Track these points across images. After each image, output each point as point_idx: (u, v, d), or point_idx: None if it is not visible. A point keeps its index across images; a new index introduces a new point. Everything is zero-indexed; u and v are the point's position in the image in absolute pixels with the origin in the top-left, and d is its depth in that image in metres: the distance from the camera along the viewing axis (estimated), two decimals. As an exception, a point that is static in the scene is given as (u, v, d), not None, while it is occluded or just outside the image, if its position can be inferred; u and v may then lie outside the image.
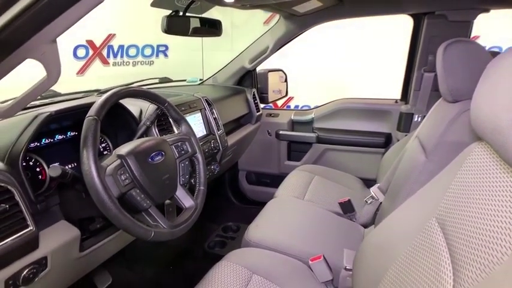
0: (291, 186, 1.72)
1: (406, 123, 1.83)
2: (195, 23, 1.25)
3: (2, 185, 0.75)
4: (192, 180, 1.10)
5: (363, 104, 2.06)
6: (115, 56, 3.58)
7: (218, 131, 1.57)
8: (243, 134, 1.94)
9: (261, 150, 2.27)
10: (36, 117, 0.87)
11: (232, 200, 2.31)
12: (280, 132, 2.19)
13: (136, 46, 3.73)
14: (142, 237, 0.80)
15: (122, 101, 1.12)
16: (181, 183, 1.00)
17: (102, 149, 1.15)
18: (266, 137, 2.24)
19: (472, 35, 4.23)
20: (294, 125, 2.22)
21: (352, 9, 1.70)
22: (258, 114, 2.10)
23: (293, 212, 1.46)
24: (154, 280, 1.48)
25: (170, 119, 1.13)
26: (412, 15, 1.73)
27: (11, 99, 0.91)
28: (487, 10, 1.55)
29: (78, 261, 0.98)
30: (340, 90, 3.58)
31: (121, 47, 3.60)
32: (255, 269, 1.09)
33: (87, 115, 0.80)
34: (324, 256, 1.12)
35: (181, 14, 1.27)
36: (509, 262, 0.49)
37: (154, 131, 1.19)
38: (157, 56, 3.94)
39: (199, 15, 1.32)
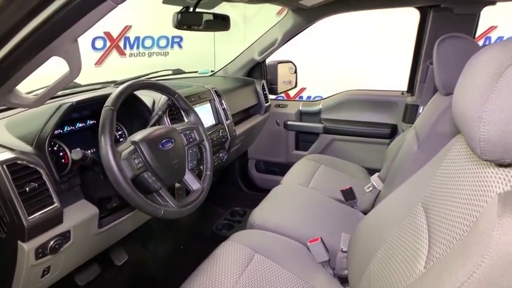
0: (297, 174, 1.80)
1: (411, 115, 1.87)
2: (204, 19, 1.33)
3: (31, 166, 0.85)
4: (201, 167, 1.19)
5: (369, 96, 2.11)
6: (131, 47, 3.69)
7: (227, 120, 1.65)
8: (252, 124, 2.02)
9: (269, 139, 2.34)
10: (60, 106, 0.97)
11: (241, 187, 2.40)
12: (289, 122, 2.26)
13: (151, 37, 3.82)
14: (153, 214, 0.90)
15: (136, 92, 1.22)
16: (189, 168, 1.10)
17: (118, 136, 1.25)
18: (275, 127, 2.31)
19: (489, 25, 4.15)
20: (302, 115, 2.28)
21: (358, 2, 1.74)
22: (266, 105, 2.17)
23: (296, 198, 1.54)
24: (166, 258, 1.60)
25: (180, 110, 1.22)
26: (418, 8, 1.75)
27: (36, 90, 1.02)
28: (493, 3, 1.56)
29: (97, 237, 1.09)
30: (353, 81, 3.59)
31: (137, 38, 3.70)
32: (257, 249, 1.18)
33: (105, 105, 0.89)
34: (321, 238, 1.20)
35: (191, 9, 1.35)
36: (466, 238, 0.56)
37: (166, 120, 1.28)
38: (172, 47, 4.04)
39: (209, 11, 1.39)
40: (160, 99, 1.28)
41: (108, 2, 0.65)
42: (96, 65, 3.44)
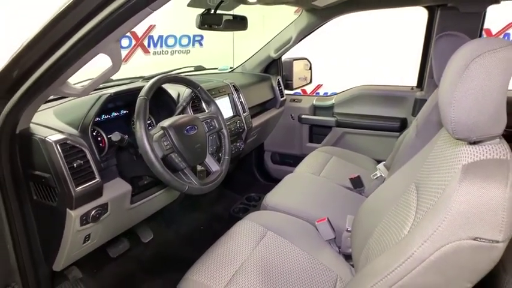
0: (309, 164, 1.92)
1: (420, 109, 1.95)
2: (224, 19, 1.46)
3: (78, 146, 1.02)
4: (220, 154, 1.33)
5: (380, 91, 2.19)
6: (155, 45, 3.88)
7: (244, 113, 1.79)
8: (268, 117, 2.15)
9: (284, 132, 2.47)
10: (100, 97, 1.13)
11: (257, 177, 2.54)
12: (303, 116, 2.37)
13: (174, 36, 4.00)
14: (179, 189, 1.04)
15: (163, 86, 1.38)
16: (209, 152, 1.24)
17: (148, 125, 1.40)
18: (289, 121, 2.43)
19: (508, 21, 4.10)
20: (315, 109, 2.39)
21: (369, 2, 1.83)
22: (282, 99, 2.29)
23: (307, 184, 1.67)
24: (187, 237, 1.75)
25: (202, 101, 1.36)
26: (426, 7, 1.83)
27: (82, 82, 1.18)
28: (497, 2, 1.63)
29: (128, 212, 1.25)
30: (367, 77, 3.66)
31: (160, 37, 3.89)
32: (269, 227, 1.31)
33: (139, 95, 1.04)
34: (328, 218, 1.32)
35: (212, 11, 1.48)
36: (437, 202, 0.67)
37: (189, 110, 1.42)
38: (193, 45, 4.21)
39: (228, 12, 1.52)
40: (184, 92, 1.42)
41: (146, 9, 0.80)
42: (122, 62, 3.64)
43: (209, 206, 2.06)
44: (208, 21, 1.42)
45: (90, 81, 0.96)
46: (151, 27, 3.79)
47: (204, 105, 1.39)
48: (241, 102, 1.79)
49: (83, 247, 1.15)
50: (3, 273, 1.05)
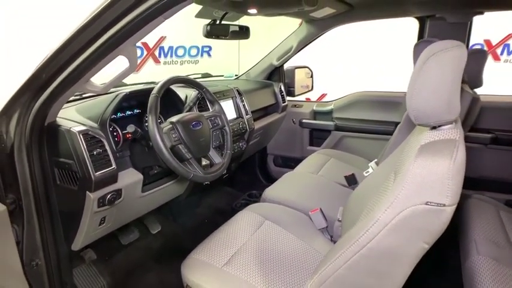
0: (309, 164, 2.05)
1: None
2: (229, 29, 1.62)
3: (97, 136, 1.16)
4: (223, 148, 1.47)
5: (377, 96, 2.32)
6: (165, 56, 4.08)
7: (246, 115, 1.93)
8: (270, 121, 2.29)
9: (286, 136, 2.60)
10: (117, 95, 1.29)
11: (260, 179, 2.67)
12: (303, 121, 2.51)
13: (183, 47, 4.21)
14: (184, 175, 1.18)
15: (173, 88, 1.53)
16: (213, 146, 1.38)
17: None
18: (291, 125, 2.56)
19: (508, 32, 4.20)
20: (315, 114, 2.52)
21: (363, 14, 1.97)
22: (283, 104, 2.43)
23: (304, 181, 1.79)
24: (193, 230, 1.88)
25: (207, 101, 1.51)
26: (417, 18, 1.96)
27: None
28: (481, 13, 1.76)
29: (139, 200, 1.38)
30: (369, 86, 3.79)
31: (170, 48, 4.10)
32: (267, 217, 1.43)
33: (152, 93, 1.19)
34: (320, 209, 1.44)
35: (218, 22, 1.64)
36: (398, 178, 0.79)
37: (196, 110, 1.57)
38: (201, 55, 4.41)
39: (233, 23, 1.68)
40: (191, 94, 1.57)
41: (159, 18, 0.95)
42: (134, 71, 3.85)
43: (213, 202, 2.19)
44: (214, 31, 1.58)
45: (110, 80, 1.11)
46: (162, 39, 4.00)
47: (209, 105, 1.54)
48: (244, 106, 1.93)
49: (98, 229, 1.28)
50: (30, 249, 1.18)
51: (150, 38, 3.92)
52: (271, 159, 2.72)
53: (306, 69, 2.68)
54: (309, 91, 2.74)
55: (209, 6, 1.46)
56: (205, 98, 1.46)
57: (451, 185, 0.68)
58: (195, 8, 1.71)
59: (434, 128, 0.83)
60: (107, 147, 1.18)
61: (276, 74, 2.51)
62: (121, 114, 1.43)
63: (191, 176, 1.19)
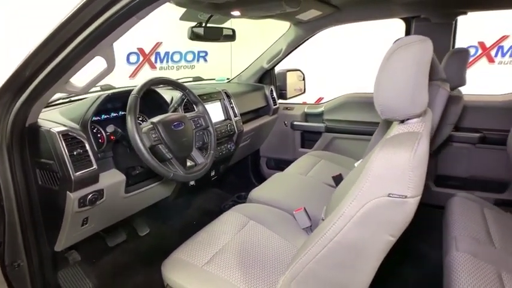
0: (299, 165, 2.05)
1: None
2: (214, 32, 1.64)
3: (78, 137, 1.17)
4: (206, 149, 1.48)
5: (366, 98, 2.33)
6: (161, 61, 4.13)
7: (235, 117, 1.94)
8: (260, 123, 2.30)
9: (278, 139, 2.61)
10: (99, 97, 1.30)
11: (252, 182, 2.67)
12: (295, 123, 2.52)
13: (180, 52, 4.25)
14: (164, 175, 1.18)
15: (158, 90, 1.55)
16: (196, 146, 1.39)
17: (141, 122, 1.56)
18: (283, 128, 2.57)
19: (502, 34, 4.23)
20: (306, 116, 2.53)
21: (349, 16, 1.99)
22: (274, 107, 2.44)
23: (292, 181, 1.79)
24: (181, 232, 1.88)
25: (191, 102, 1.52)
26: (403, 19, 1.98)
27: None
28: (464, 13, 1.77)
29: (123, 200, 1.39)
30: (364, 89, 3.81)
31: (166, 53, 4.14)
32: (252, 217, 1.43)
33: (131, 93, 1.21)
34: (304, 208, 1.44)
35: (203, 25, 1.66)
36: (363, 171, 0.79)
37: (181, 111, 1.58)
38: (198, 61, 4.45)
39: (218, 25, 1.70)
40: (177, 96, 1.58)
41: (133, 18, 0.97)
42: (130, 77, 3.89)
43: (202, 204, 2.20)
44: (199, 34, 1.60)
45: (89, 81, 1.13)
46: (158, 44, 4.05)
47: (194, 106, 1.55)
48: (232, 108, 1.94)
49: (81, 230, 1.29)
50: (12, 250, 1.19)
51: (146, 44, 3.97)
52: (264, 162, 2.72)
53: (298, 72, 2.70)
54: (301, 94, 2.75)
55: (189, 8, 1.48)
56: (189, 99, 1.47)
57: (412, 176, 0.68)
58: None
59: (402, 122, 0.83)
60: (88, 148, 1.19)
61: (268, 77, 2.52)
62: (105, 116, 1.44)
63: (171, 175, 1.20)
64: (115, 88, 1.83)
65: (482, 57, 4.17)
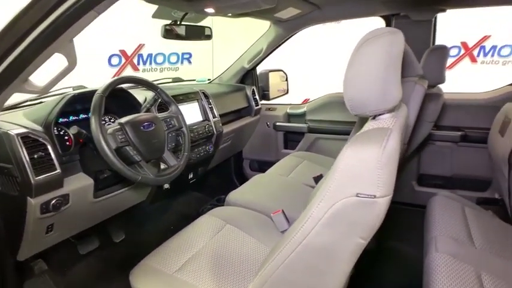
0: (281, 167, 2.01)
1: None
2: (188, 30, 1.59)
3: (40, 139, 1.11)
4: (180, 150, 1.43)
5: None
6: (144, 63, 4.05)
7: (213, 118, 1.89)
8: (241, 124, 2.25)
9: (261, 140, 2.56)
10: (63, 97, 1.24)
11: (235, 184, 2.62)
12: (277, 123, 2.48)
13: (163, 54, 4.18)
14: (131, 178, 1.13)
15: (130, 91, 1.49)
16: (168, 148, 1.33)
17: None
18: (266, 129, 2.53)
19: (483, 34, 4.27)
20: (289, 117, 2.50)
21: (329, 14, 1.96)
22: (256, 108, 2.40)
23: (272, 183, 1.75)
24: (158, 237, 1.81)
25: (164, 102, 1.47)
26: (383, 17, 1.96)
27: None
28: (443, 10, 1.76)
29: (93, 206, 1.32)
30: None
31: (149, 55, 4.07)
32: (229, 220, 1.38)
33: (96, 92, 1.15)
34: (283, 211, 1.39)
35: (178, 23, 1.61)
36: (331, 170, 0.75)
37: (155, 112, 1.52)
38: (182, 63, 4.38)
39: (192, 24, 1.65)
40: (150, 95, 1.53)
41: (91, 12, 0.91)
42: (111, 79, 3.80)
43: (181, 208, 2.13)
44: (173, 32, 1.55)
45: (50, 79, 1.07)
46: (140, 46, 3.97)
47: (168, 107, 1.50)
48: (211, 108, 1.89)
49: (46, 237, 1.22)
50: (-30, 261, 1.12)
51: (129, 46, 3.89)
52: (247, 164, 2.68)
53: (281, 72, 2.66)
54: (284, 94, 2.71)
55: (159, 4, 1.43)
56: (162, 99, 1.41)
57: (382, 174, 0.64)
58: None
59: (374, 118, 0.80)
60: (51, 151, 1.12)
61: (250, 78, 2.48)
62: (74, 118, 1.38)
63: (139, 178, 1.14)
64: (89, 88, 1.76)
65: (465, 57, 4.21)
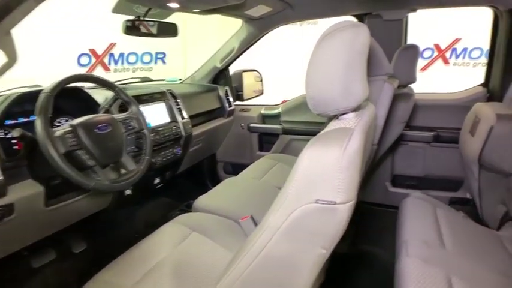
0: (254, 169, 1.94)
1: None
2: (152, 26, 1.50)
3: None
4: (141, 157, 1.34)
5: None
6: (116, 63, 3.91)
7: (182, 119, 1.80)
8: (214, 126, 2.17)
9: (235, 142, 2.49)
10: (8, 97, 1.13)
11: (209, 188, 2.52)
12: (251, 125, 2.41)
13: (135, 54, 4.05)
14: (83, 185, 1.03)
15: (90, 90, 1.39)
16: (127, 152, 1.24)
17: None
18: (240, 130, 2.46)
19: (454, 37, 4.36)
20: (264, 118, 2.44)
21: (301, 13, 1.92)
22: (230, 109, 2.32)
23: (243, 187, 1.68)
24: (123, 246, 1.71)
25: (124, 102, 1.37)
26: (355, 16, 1.93)
27: None
28: (414, 10, 1.75)
29: (44, 215, 1.21)
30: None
31: (121, 54, 3.93)
32: (195, 228, 1.30)
33: (42, 92, 1.05)
34: (252, 216, 1.33)
35: (142, 18, 1.52)
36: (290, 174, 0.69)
37: (116, 113, 1.42)
38: (155, 62, 4.26)
39: (157, 20, 1.56)
40: (109, 96, 1.43)
41: (29, 1, 0.82)
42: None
43: (148, 215, 2.03)
44: (135, 28, 1.46)
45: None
46: (112, 45, 3.83)
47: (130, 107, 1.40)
48: (179, 109, 1.80)
49: (-12, 252, 1.10)
50: None
51: (99, 45, 3.74)
52: (221, 167, 2.60)
53: (255, 72, 2.60)
54: (259, 95, 2.65)
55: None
56: (121, 99, 1.32)
57: (342, 179, 0.59)
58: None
59: (337, 117, 0.74)
60: (-9, 155, 1.02)
61: (223, 78, 2.40)
62: (24, 119, 1.26)
63: (92, 185, 1.04)
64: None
65: (438, 59, 4.29)
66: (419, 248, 1.10)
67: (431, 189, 2.00)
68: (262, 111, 2.43)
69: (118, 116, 1.26)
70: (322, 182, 0.59)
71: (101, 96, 1.45)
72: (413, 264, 1.02)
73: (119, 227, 1.85)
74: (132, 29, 1.46)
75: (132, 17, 1.52)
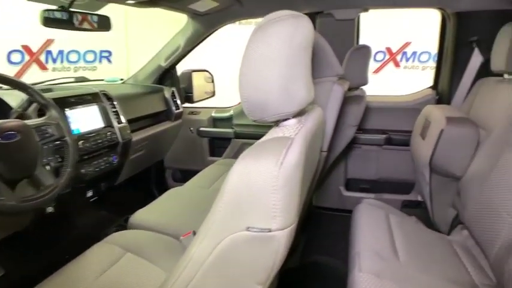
0: (202, 177, 1.80)
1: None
2: (77, 18, 1.32)
3: None
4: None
5: None
6: (54, 61, 3.56)
7: (119, 124, 1.61)
8: (158, 130, 1.99)
9: (185, 147, 2.33)
10: None
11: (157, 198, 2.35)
12: (201, 129, 2.27)
13: (77, 51, 3.72)
14: None
15: (3, 91, 1.18)
16: (43, 164, 1.05)
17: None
18: (189, 135, 2.30)
19: (404, 41, 4.50)
20: (214, 122, 2.30)
21: (251, 10, 1.81)
22: (177, 112, 2.15)
23: (187, 198, 1.53)
24: (49, 269, 1.49)
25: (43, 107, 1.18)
26: (307, 15, 1.86)
27: None
28: (366, 10, 1.72)
29: None
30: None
31: (61, 52, 3.59)
32: (129, 248, 1.14)
33: None
34: (194, 232, 1.19)
35: (66, 9, 1.33)
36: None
37: (35, 117, 1.22)
38: (100, 61, 3.95)
39: (85, 11, 1.38)
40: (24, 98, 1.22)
41: None
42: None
43: (80, 233, 1.81)
44: (55, 19, 1.27)
45: None
46: (49, 42, 3.48)
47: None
48: (115, 112, 1.61)
49: None
50: None
51: (34, 41, 3.38)
52: (170, 174, 2.42)
53: (206, 73, 2.45)
54: (211, 97, 2.51)
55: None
56: (35, 101, 1.13)
57: (278, 200, 0.48)
58: None
59: (277, 124, 0.64)
60: None
61: (169, 78, 2.23)
62: None
63: None
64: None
65: (389, 62, 4.42)
66: (371, 261, 1.03)
67: (385, 192, 1.99)
68: (213, 114, 2.29)
69: (32, 121, 1.07)
70: (253, 206, 0.48)
71: (15, 98, 1.24)
72: (366, 280, 0.94)
73: (45, 248, 1.62)
74: (52, 20, 1.26)
75: (54, 7, 1.32)
